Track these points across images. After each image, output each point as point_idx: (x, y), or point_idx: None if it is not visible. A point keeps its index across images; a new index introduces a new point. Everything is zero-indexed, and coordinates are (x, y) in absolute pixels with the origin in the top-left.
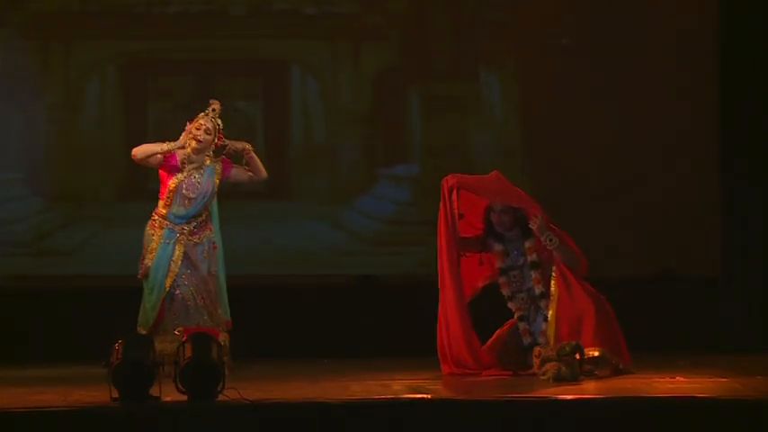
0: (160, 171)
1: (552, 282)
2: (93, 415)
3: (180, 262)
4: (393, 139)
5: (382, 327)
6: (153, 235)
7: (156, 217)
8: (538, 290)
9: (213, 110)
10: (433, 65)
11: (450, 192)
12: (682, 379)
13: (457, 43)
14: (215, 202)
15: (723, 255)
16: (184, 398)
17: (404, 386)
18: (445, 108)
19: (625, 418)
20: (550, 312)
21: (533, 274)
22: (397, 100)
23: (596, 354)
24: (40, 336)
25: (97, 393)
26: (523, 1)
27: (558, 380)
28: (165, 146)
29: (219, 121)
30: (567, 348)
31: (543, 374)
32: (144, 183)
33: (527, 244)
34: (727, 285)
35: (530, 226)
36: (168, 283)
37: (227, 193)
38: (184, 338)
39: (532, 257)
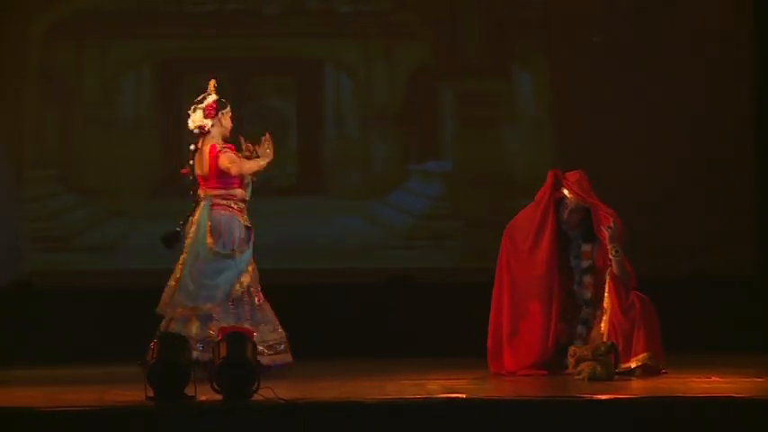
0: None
1: (606, 295)
2: (128, 414)
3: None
4: (425, 135)
5: (417, 325)
6: (242, 220)
7: (242, 204)
8: (588, 294)
9: (215, 87)
10: (466, 62)
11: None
12: (717, 379)
13: (489, 41)
14: None
15: (758, 255)
16: (219, 397)
17: (439, 386)
18: (477, 105)
19: (660, 417)
20: (602, 326)
21: (586, 279)
22: (430, 97)
23: (648, 362)
24: (70, 334)
25: (132, 393)
26: None
27: (593, 379)
28: (263, 162)
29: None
30: (603, 348)
31: (578, 374)
32: (177, 179)
33: (584, 247)
34: (762, 285)
35: (602, 231)
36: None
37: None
38: (219, 338)
39: (588, 262)
